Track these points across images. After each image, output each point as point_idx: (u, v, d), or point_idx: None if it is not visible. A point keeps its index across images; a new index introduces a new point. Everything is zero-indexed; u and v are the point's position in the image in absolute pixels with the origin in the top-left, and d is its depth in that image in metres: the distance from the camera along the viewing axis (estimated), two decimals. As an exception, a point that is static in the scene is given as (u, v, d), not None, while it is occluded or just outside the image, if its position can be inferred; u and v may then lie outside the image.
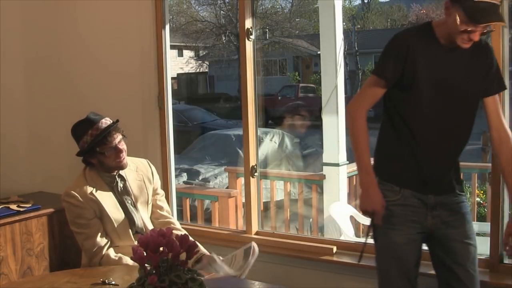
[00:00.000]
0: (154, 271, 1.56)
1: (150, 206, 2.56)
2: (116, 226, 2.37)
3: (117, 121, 2.43)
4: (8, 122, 3.28)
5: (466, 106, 2.04)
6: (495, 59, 2.08)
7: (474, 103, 2.06)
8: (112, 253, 2.33)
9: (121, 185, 2.47)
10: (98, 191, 2.38)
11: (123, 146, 2.40)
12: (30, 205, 2.95)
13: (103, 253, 2.31)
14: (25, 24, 3.40)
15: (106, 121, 2.40)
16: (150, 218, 2.56)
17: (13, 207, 2.90)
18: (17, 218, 2.80)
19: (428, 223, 2.08)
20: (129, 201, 2.47)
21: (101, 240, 2.33)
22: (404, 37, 2.04)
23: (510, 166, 2.04)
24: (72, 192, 2.34)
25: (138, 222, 2.46)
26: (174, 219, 2.64)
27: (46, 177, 3.46)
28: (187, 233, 2.48)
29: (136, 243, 2.37)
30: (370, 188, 2.05)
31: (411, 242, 2.09)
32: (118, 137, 2.39)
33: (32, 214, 2.87)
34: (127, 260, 2.30)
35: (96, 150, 2.35)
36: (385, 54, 2.06)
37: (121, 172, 2.47)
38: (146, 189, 2.53)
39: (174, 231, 2.44)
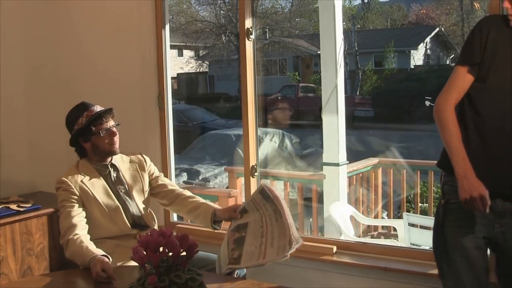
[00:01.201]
0: (154, 271, 1.56)
1: (146, 193, 2.58)
2: (107, 211, 2.41)
3: (111, 108, 2.51)
4: (8, 122, 3.28)
5: None
6: None
7: None
8: (85, 238, 2.28)
9: (114, 175, 2.52)
10: (89, 180, 2.44)
11: (116, 131, 2.48)
12: (30, 205, 2.95)
13: (76, 232, 2.28)
14: (25, 22, 3.39)
15: (99, 107, 2.50)
16: (160, 202, 2.62)
17: (13, 207, 2.89)
18: (17, 218, 2.80)
19: (495, 231, 1.96)
20: (123, 190, 2.51)
21: (79, 222, 2.33)
22: (485, 21, 1.96)
23: None
24: (63, 178, 2.41)
25: (133, 209, 2.49)
26: (182, 190, 2.62)
27: (46, 177, 3.45)
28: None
29: (131, 227, 2.42)
30: (469, 175, 1.88)
31: (481, 247, 1.97)
32: (112, 122, 2.48)
33: (32, 214, 2.87)
34: (90, 248, 2.22)
35: (91, 130, 2.42)
36: (467, 41, 1.96)
37: (113, 162, 2.53)
38: (140, 177, 2.58)
39: (190, 200, 2.50)
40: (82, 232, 2.30)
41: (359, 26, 20.02)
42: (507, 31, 1.90)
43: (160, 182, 2.62)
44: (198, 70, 22.20)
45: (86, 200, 2.40)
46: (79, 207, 2.38)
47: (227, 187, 5.65)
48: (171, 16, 18.48)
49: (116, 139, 2.47)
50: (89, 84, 3.52)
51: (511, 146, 1.89)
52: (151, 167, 2.65)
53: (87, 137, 2.44)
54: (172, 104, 3.52)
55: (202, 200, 2.53)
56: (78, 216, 2.35)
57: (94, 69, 3.52)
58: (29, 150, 3.43)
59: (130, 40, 3.39)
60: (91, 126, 2.42)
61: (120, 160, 2.57)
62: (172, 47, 6.83)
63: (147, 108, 3.41)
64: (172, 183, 2.71)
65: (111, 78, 3.46)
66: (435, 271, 2.45)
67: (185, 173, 7.56)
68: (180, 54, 21.82)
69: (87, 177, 2.44)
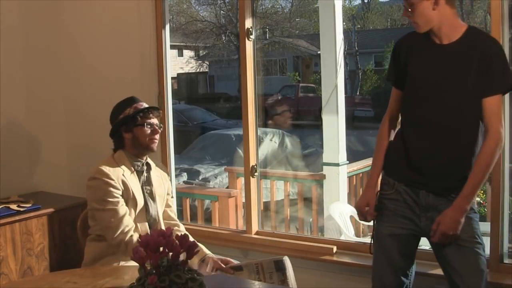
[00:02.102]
0: (154, 271, 1.56)
1: (165, 202, 2.61)
2: (138, 211, 2.42)
3: (159, 108, 2.57)
4: (8, 122, 3.28)
5: (452, 102, 2.01)
6: (494, 61, 1.96)
7: (460, 100, 2.00)
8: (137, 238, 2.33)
9: (146, 174, 2.52)
10: (127, 175, 2.43)
11: (159, 130, 2.50)
12: (30, 205, 2.95)
13: (132, 234, 2.31)
14: (25, 22, 3.39)
15: (147, 105, 2.54)
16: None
17: (13, 207, 2.90)
18: (17, 218, 2.80)
19: (422, 223, 2.11)
20: (148, 191, 2.51)
21: (129, 222, 2.35)
22: (400, 39, 2.20)
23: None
24: (105, 170, 2.36)
25: (153, 212, 2.50)
26: (179, 223, 2.68)
27: (46, 177, 3.46)
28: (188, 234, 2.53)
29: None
30: (365, 189, 2.26)
31: (396, 236, 2.15)
32: (156, 120, 2.50)
33: (32, 214, 2.87)
34: None
35: (136, 120, 2.43)
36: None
37: (148, 160, 2.54)
38: (163, 185, 2.61)
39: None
40: (134, 232, 2.33)
41: (359, 26, 20.00)
42: (420, 40, 2.08)
43: (169, 202, 2.65)
44: (198, 70, 22.17)
45: (125, 195, 2.38)
46: (123, 203, 2.36)
47: (227, 187, 5.65)
48: (171, 16, 18.44)
49: (157, 137, 2.49)
50: (90, 83, 3.53)
51: (425, 147, 2.07)
52: (170, 184, 2.69)
53: (130, 127, 2.44)
54: (172, 104, 3.53)
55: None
56: (127, 215, 2.35)
57: (95, 69, 3.52)
58: (29, 150, 3.43)
59: (130, 40, 3.39)
60: (137, 116, 2.44)
61: (151, 163, 2.58)
62: (172, 47, 6.81)
63: (147, 108, 3.40)
64: (175, 211, 2.72)
65: (111, 78, 3.46)
66: (436, 271, 2.46)
67: (185, 173, 7.55)
68: (180, 54, 21.78)
69: (125, 171, 2.43)
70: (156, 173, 2.59)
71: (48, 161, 3.49)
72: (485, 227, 3.98)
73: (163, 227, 2.51)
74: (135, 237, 2.31)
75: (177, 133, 3.69)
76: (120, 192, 2.36)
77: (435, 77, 2.04)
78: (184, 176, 7.48)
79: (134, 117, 2.44)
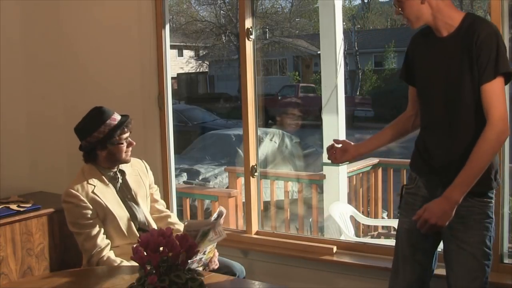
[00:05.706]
0: (154, 271, 1.56)
1: (149, 200, 2.58)
2: (120, 223, 2.38)
3: (129, 116, 2.48)
4: (8, 122, 3.28)
5: (452, 95, 1.97)
6: (484, 47, 1.88)
7: (460, 92, 1.94)
8: (112, 256, 2.32)
9: (121, 181, 2.49)
10: (99, 189, 2.38)
11: (133, 142, 2.47)
12: (30, 205, 2.95)
13: (104, 254, 2.30)
14: (25, 22, 3.39)
15: (118, 114, 2.46)
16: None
17: (13, 207, 2.89)
18: (17, 218, 2.80)
19: None
20: (129, 196, 2.48)
21: (102, 242, 2.33)
22: (411, 37, 2.16)
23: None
24: (74, 192, 2.33)
25: (140, 216, 2.48)
26: (170, 212, 2.67)
27: (46, 177, 3.46)
28: (183, 225, 2.48)
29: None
30: None
31: (409, 230, 2.13)
32: (129, 131, 2.47)
33: (32, 214, 2.87)
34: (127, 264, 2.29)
35: (114, 139, 2.38)
36: None
37: (120, 167, 2.49)
38: (143, 182, 2.57)
39: (172, 226, 2.48)
40: (108, 251, 2.32)
41: (359, 26, 19.99)
42: (427, 35, 2.06)
43: (154, 196, 2.63)
44: (198, 70, 22.17)
45: (100, 211, 2.36)
46: (96, 223, 2.34)
47: (227, 187, 5.64)
48: (171, 16, 18.44)
49: (131, 148, 2.46)
50: (90, 84, 3.53)
51: (435, 143, 2.05)
52: (151, 177, 2.64)
53: (105, 145, 2.38)
54: (172, 104, 3.53)
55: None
56: (100, 235, 2.33)
57: (95, 69, 3.52)
58: (29, 150, 3.43)
59: (130, 40, 3.39)
60: (115, 135, 2.38)
61: (124, 165, 2.53)
62: (172, 47, 6.81)
63: (147, 108, 3.41)
64: (163, 202, 2.70)
65: (111, 78, 3.46)
66: (436, 271, 2.46)
67: (185, 173, 7.55)
68: (180, 54, 21.78)
69: (97, 186, 2.38)
70: (133, 172, 2.55)
71: (48, 161, 3.48)
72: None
73: (154, 226, 2.50)
74: (108, 255, 2.31)
75: (177, 133, 3.69)
76: (93, 211, 2.33)
77: (435, 73, 2.01)
78: (184, 176, 7.49)
79: (111, 136, 2.37)
